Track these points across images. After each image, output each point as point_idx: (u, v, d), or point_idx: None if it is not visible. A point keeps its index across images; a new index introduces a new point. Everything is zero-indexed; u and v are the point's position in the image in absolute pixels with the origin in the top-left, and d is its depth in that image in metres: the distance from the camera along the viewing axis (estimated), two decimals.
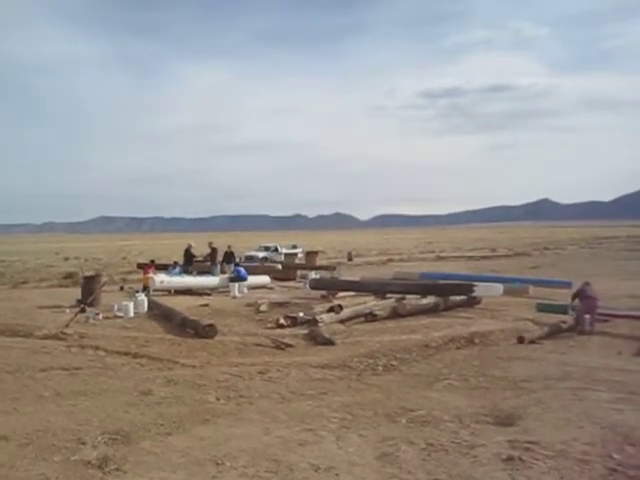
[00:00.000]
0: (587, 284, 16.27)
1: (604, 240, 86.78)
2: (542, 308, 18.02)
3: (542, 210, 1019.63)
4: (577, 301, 15.88)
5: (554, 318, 16.28)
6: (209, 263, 28.82)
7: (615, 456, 6.44)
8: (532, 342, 13.81)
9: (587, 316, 15.30)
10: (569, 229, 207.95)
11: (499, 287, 19.99)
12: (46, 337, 14.64)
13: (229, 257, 28.87)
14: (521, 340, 13.82)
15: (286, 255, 47.52)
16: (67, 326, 15.54)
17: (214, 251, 28.60)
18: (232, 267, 26.91)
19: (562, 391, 9.37)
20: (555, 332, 14.87)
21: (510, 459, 6.32)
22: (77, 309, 18.07)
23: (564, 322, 15.45)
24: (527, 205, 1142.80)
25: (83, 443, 6.93)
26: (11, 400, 8.97)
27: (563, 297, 19.96)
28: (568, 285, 23.06)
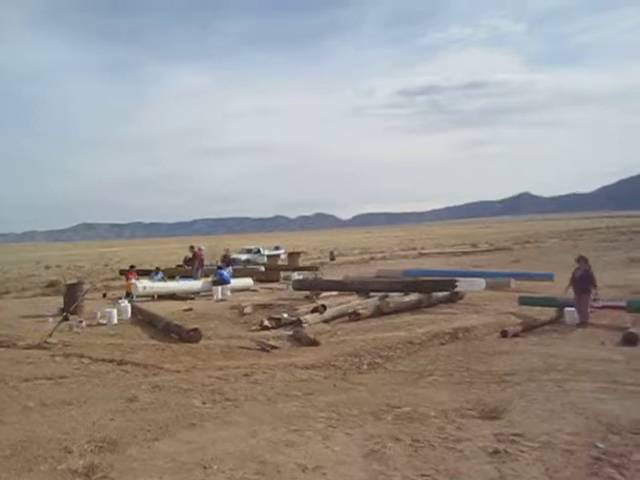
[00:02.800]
0: (584, 260, 15.64)
1: (585, 232, 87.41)
2: (524, 301, 18.06)
3: (522, 204, 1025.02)
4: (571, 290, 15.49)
5: (536, 311, 16.38)
6: (189, 267, 28.80)
7: (599, 445, 6.51)
8: (515, 335, 13.89)
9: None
10: (550, 222, 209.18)
11: (481, 282, 20.09)
12: (30, 347, 14.54)
13: (228, 260, 29.10)
14: (504, 334, 13.89)
15: (269, 257, 47.47)
16: (50, 335, 15.45)
17: (195, 255, 28.56)
18: (230, 269, 27.38)
19: (546, 383, 9.44)
20: (538, 325, 14.96)
21: (496, 452, 6.37)
22: (60, 318, 17.97)
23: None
24: (507, 200, 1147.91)
25: (69, 452, 6.90)
26: None
27: (545, 290, 20.12)
28: (550, 277, 23.22)
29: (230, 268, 28.35)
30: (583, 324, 14.80)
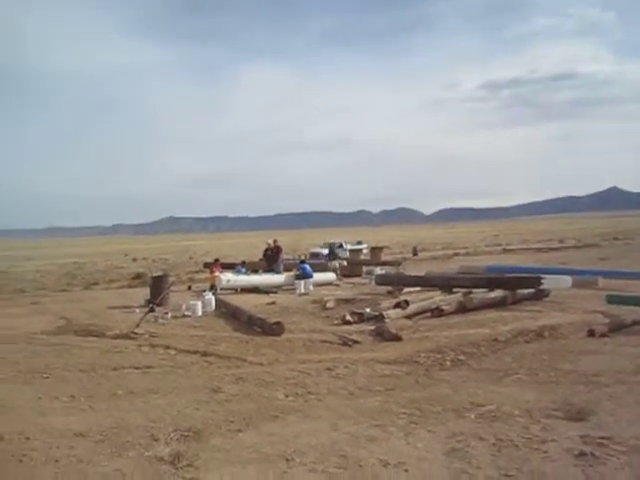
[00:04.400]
0: None
1: None
2: (613, 300, 17.49)
3: (611, 199, 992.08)
4: None
5: (625, 310, 15.88)
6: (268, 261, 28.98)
7: None
8: (603, 335, 13.48)
9: None
10: None
11: (568, 279, 19.61)
12: (117, 337, 14.99)
13: (334, 253, 29.41)
14: (592, 333, 13.49)
15: (351, 251, 47.33)
16: (137, 326, 15.86)
17: (278, 249, 28.71)
18: (336, 263, 28.02)
19: (636, 385, 9.13)
20: (628, 325, 14.49)
21: (582, 455, 6.20)
22: (146, 309, 18.41)
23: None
24: (595, 194, 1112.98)
25: (156, 440, 7.08)
26: (86, 398, 9.22)
27: (635, 288, 19.49)
28: (639, 276, 22.47)
29: (336, 262, 29.00)
30: None
